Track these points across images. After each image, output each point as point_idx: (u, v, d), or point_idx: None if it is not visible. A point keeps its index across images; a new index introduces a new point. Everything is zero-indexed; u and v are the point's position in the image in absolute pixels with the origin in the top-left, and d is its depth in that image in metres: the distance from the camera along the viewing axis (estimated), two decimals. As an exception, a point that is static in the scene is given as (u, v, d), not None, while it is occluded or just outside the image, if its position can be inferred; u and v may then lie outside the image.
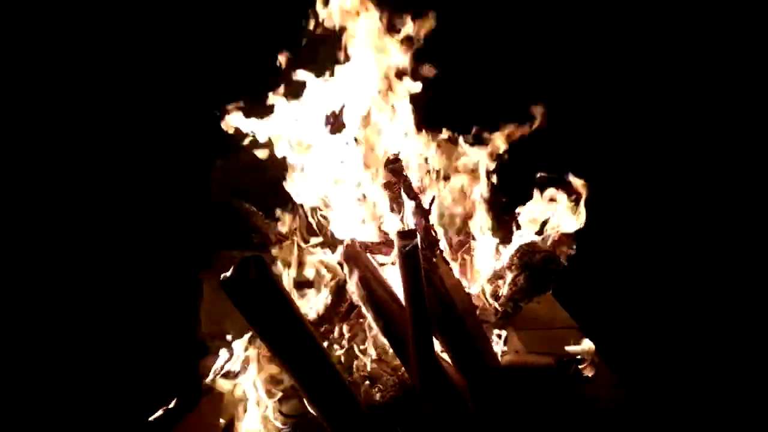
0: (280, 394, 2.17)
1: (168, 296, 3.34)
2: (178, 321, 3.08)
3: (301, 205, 2.46)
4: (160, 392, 2.64)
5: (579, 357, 2.08)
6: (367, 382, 2.33)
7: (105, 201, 4.05)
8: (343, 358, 2.39)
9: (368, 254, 2.27)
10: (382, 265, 2.30)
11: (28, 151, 4.11)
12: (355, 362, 2.40)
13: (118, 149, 4.25)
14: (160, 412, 2.45)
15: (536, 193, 2.70)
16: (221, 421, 2.29)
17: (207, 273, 3.08)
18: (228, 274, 1.82)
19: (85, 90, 4.30)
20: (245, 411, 2.23)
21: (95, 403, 2.86)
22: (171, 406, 2.43)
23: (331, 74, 2.50)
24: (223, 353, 2.41)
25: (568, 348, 2.18)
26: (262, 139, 2.46)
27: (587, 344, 2.16)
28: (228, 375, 2.40)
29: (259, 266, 1.84)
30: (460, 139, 2.72)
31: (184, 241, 3.59)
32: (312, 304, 2.41)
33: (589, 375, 2.05)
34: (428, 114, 2.75)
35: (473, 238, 2.67)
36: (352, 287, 2.22)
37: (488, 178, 2.67)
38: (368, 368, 2.41)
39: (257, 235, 2.64)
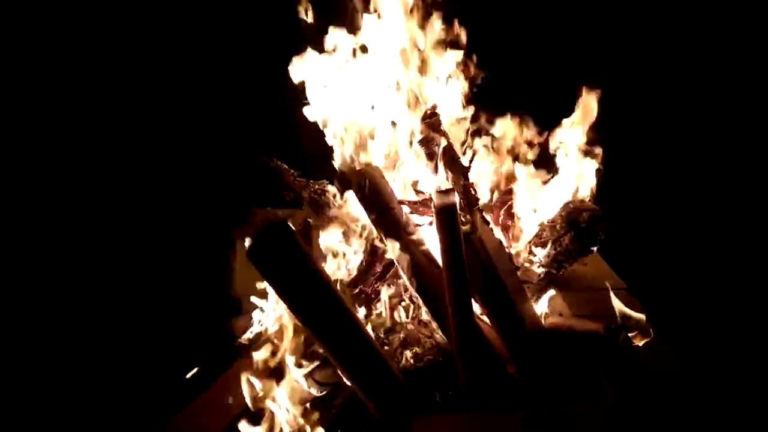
0: (315, 364, 2.11)
1: (201, 253, 3.33)
2: (211, 279, 3.07)
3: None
4: (195, 351, 2.66)
5: (629, 324, 1.94)
6: (404, 347, 2.25)
7: (140, 155, 4.03)
8: (378, 321, 2.31)
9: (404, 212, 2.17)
10: (418, 225, 2.20)
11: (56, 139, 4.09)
12: (391, 325, 2.32)
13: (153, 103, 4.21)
14: (195, 370, 2.45)
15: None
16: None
17: (240, 230, 3.03)
18: (252, 242, 1.75)
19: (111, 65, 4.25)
20: (279, 378, 2.19)
21: (128, 363, 2.90)
22: (205, 365, 2.43)
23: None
24: (256, 315, 2.38)
25: (617, 308, 2.04)
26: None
27: (638, 312, 2.01)
28: (261, 338, 2.37)
29: (285, 233, 1.76)
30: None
31: (217, 197, 3.56)
32: (346, 264, 2.33)
33: (640, 344, 1.92)
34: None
35: (515, 196, 2.53)
36: (387, 246, 2.13)
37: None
38: (405, 331, 2.33)
39: (289, 192, 2.56)
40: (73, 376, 2.94)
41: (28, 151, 3.93)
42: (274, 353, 2.11)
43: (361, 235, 2.41)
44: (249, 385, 2.05)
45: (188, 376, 2.48)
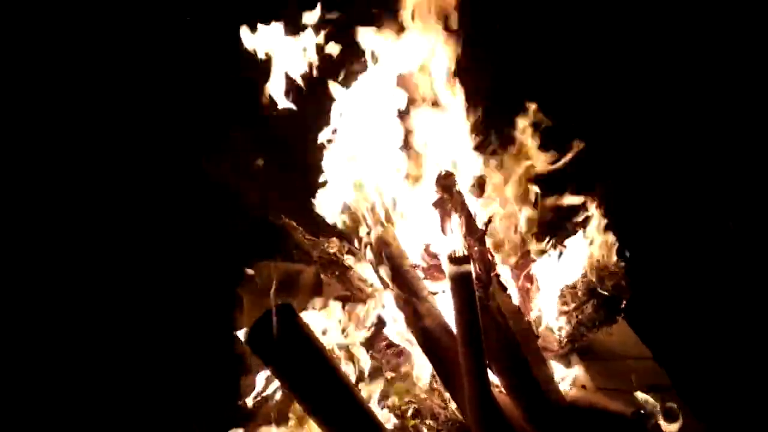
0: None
1: (205, 309, 3.27)
2: (215, 334, 3.00)
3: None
4: (198, 412, 2.57)
5: (659, 411, 1.81)
6: (416, 418, 2.13)
7: (142, 209, 4.02)
8: (389, 391, 2.21)
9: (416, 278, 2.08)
10: (433, 293, 2.10)
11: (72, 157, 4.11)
12: (402, 395, 2.21)
13: (156, 153, 4.22)
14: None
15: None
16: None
17: (246, 285, 2.97)
18: (251, 328, 1.66)
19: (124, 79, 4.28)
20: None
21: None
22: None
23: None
24: (261, 377, 2.29)
25: (646, 398, 1.90)
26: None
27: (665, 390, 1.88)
28: (267, 401, 2.28)
29: (286, 316, 1.67)
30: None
31: (222, 251, 3.51)
32: (356, 330, 2.24)
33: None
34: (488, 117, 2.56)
35: (534, 260, 2.44)
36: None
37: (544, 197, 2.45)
38: (417, 401, 2.22)
39: (298, 251, 2.50)
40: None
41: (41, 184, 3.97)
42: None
43: (372, 298, 2.33)
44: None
45: None
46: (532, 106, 2.48)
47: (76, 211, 3.93)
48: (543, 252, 2.47)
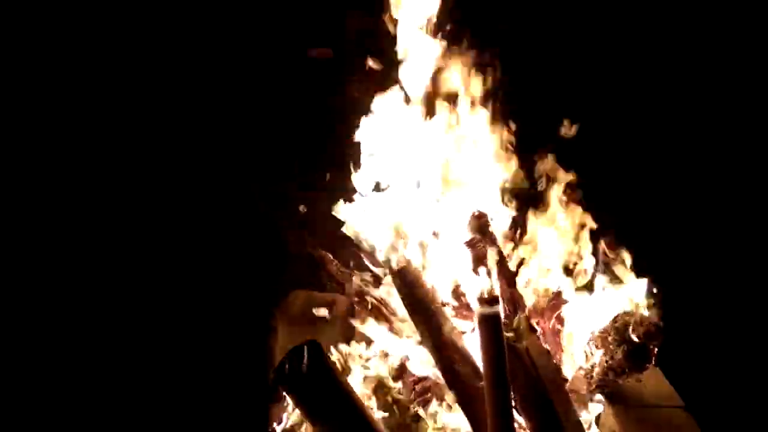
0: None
1: (240, 333, 3.33)
2: (249, 361, 3.05)
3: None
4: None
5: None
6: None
7: (178, 240, 4.11)
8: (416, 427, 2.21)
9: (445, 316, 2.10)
10: (461, 332, 2.13)
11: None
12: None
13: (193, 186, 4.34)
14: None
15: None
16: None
17: (281, 312, 3.02)
18: (279, 363, 1.72)
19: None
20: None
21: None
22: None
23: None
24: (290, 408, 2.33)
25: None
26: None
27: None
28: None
29: (314, 354, 1.72)
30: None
31: (258, 277, 3.58)
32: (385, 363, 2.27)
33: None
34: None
35: (565, 303, 2.43)
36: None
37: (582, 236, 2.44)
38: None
39: (331, 283, 2.55)
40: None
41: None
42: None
43: (402, 332, 2.35)
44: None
45: None
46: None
47: (116, 235, 4.08)
48: (575, 294, 2.46)
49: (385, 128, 2.40)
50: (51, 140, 4.31)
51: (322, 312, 2.78)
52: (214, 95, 4.49)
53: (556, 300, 2.43)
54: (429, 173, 2.30)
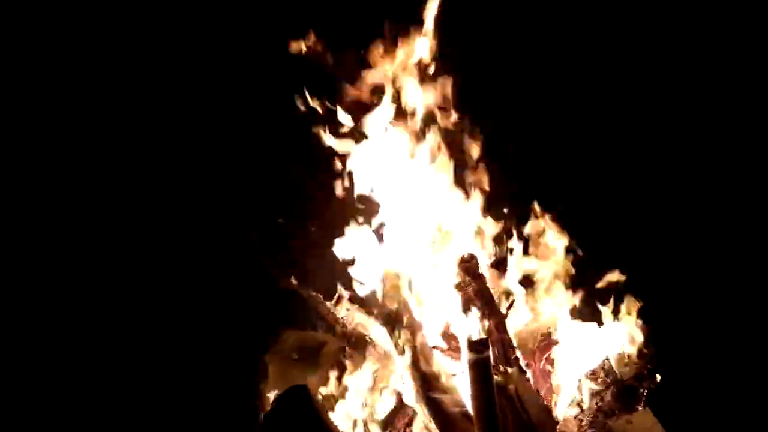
0: None
1: (230, 374, 3.31)
2: (239, 403, 3.03)
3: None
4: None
5: None
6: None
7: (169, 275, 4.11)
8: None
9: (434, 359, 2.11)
10: (451, 375, 2.13)
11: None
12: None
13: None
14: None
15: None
16: None
17: (272, 350, 3.01)
18: (269, 410, 1.73)
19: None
20: None
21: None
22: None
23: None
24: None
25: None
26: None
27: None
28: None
29: (302, 400, 1.73)
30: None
31: (245, 318, 3.58)
32: (376, 408, 2.26)
33: None
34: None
35: (555, 344, 2.44)
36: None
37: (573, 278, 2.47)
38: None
39: (322, 323, 2.56)
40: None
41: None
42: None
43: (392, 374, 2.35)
44: None
45: None
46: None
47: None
48: (566, 335, 2.47)
49: (375, 169, 2.45)
50: (40, 143, 4.33)
51: (313, 351, 2.77)
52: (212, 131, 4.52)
53: (547, 341, 2.44)
54: (419, 218, 2.33)
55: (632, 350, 2.38)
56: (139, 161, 4.26)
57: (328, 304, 2.47)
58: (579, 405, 2.36)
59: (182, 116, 4.29)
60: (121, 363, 3.62)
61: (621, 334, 2.42)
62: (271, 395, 2.91)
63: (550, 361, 2.42)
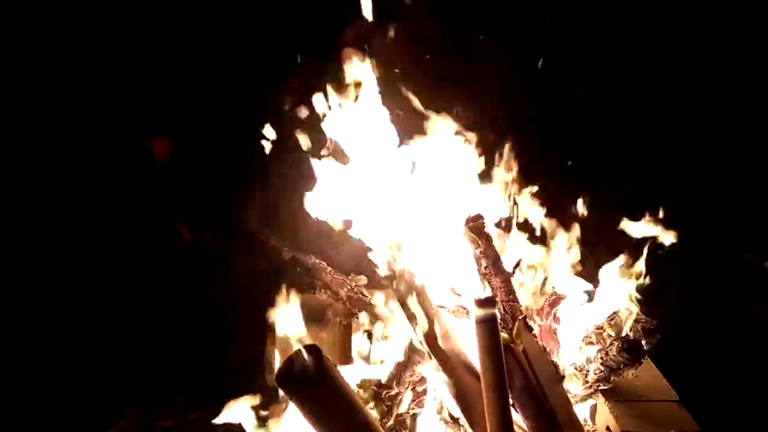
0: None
1: (235, 338, 3.35)
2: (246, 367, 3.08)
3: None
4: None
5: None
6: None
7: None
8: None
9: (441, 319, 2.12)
10: (457, 332, 2.14)
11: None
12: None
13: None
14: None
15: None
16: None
17: (278, 315, 3.02)
18: (281, 368, 1.73)
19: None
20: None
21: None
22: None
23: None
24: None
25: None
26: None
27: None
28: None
29: (314, 357, 1.74)
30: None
31: (254, 282, 3.61)
32: (383, 366, 2.28)
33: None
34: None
35: (562, 301, 2.46)
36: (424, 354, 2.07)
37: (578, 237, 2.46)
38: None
39: (325, 290, 2.57)
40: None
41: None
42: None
43: (398, 335, 2.36)
44: None
45: None
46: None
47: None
48: (572, 293, 2.48)
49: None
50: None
51: (320, 315, 2.79)
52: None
53: (554, 298, 2.45)
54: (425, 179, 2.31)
55: (637, 307, 2.39)
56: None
57: (329, 270, 2.47)
58: (585, 360, 2.39)
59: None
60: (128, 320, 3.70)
61: (627, 292, 2.43)
62: (279, 357, 2.96)
63: (557, 319, 2.44)
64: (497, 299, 2.03)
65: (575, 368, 2.35)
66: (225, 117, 4.43)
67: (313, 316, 2.88)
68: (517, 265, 2.17)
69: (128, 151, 4.24)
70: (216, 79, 4.47)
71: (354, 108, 2.32)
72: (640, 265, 2.43)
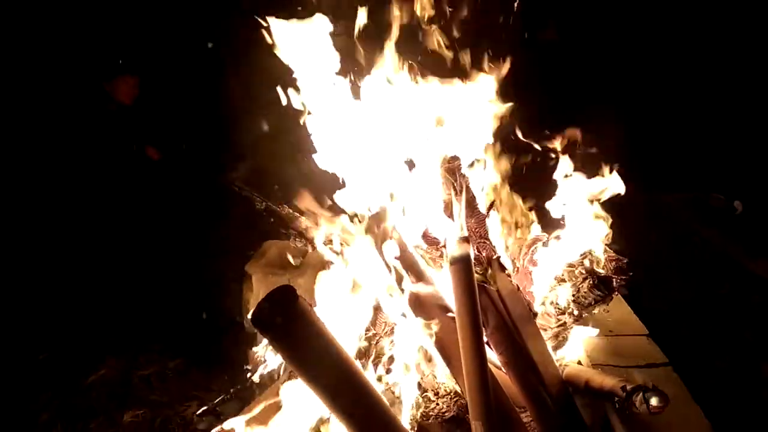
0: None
1: (212, 287, 3.36)
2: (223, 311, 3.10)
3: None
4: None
5: (647, 386, 1.86)
6: (419, 398, 2.20)
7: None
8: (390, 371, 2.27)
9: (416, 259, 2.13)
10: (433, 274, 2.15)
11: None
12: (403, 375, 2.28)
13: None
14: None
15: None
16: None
17: (253, 263, 3.03)
18: (256, 308, 1.71)
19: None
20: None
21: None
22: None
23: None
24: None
25: (637, 374, 1.97)
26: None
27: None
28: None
29: (287, 296, 1.72)
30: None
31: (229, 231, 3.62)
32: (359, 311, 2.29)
33: (658, 407, 1.84)
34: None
35: (539, 242, 2.48)
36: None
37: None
38: (421, 375, 2.28)
39: (300, 238, 2.56)
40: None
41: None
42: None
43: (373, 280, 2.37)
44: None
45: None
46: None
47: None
48: (545, 235, 2.51)
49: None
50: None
51: (294, 260, 2.79)
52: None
53: (531, 240, 2.47)
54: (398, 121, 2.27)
55: (607, 247, 2.43)
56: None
57: (303, 219, 2.46)
58: (557, 297, 2.44)
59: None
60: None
61: (600, 232, 2.46)
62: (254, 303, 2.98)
63: (531, 260, 2.47)
64: (471, 240, 2.03)
65: (548, 305, 2.40)
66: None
67: (289, 263, 2.90)
68: (491, 206, 2.17)
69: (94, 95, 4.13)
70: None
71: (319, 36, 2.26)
72: (610, 202, 2.46)
